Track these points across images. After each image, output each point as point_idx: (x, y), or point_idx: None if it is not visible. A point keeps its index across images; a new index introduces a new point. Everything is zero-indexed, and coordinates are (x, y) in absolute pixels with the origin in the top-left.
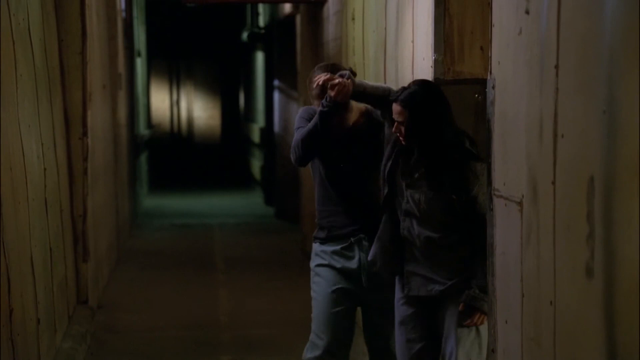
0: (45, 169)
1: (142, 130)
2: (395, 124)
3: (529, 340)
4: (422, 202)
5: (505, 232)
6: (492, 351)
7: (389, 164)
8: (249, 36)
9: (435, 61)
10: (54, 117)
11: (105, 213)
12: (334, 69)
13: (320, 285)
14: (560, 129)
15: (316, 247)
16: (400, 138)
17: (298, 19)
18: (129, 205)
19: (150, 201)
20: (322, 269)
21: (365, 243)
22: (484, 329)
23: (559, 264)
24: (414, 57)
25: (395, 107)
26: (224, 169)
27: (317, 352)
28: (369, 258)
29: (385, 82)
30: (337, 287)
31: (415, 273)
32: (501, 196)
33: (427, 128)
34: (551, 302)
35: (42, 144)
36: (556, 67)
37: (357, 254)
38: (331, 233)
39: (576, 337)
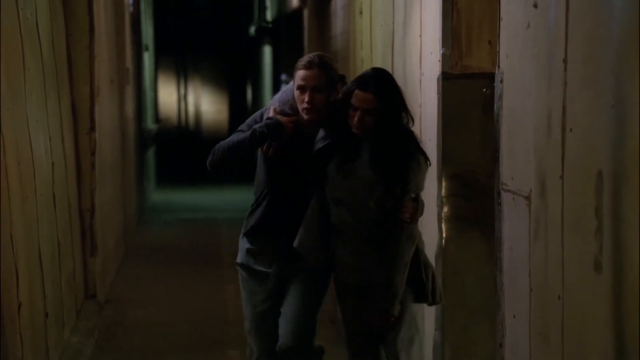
0: (53, 164)
1: (150, 124)
2: (359, 113)
3: (536, 335)
4: (358, 191)
5: (513, 227)
6: (499, 346)
7: (321, 152)
8: (256, 30)
9: (443, 55)
10: (62, 111)
11: (113, 208)
12: (321, 62)
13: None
14: (568, 123)
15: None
16: (358, 128)
17: (305, 12)
18: (136, 200)
19: (158, 196)
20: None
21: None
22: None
23: (567, 259)
24: (421, 51)
25: (366, 96)
26: None
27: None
28: (295, 244)
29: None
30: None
31: (343, 260)
32: (509, 190)
33: (395, 115)
34: (559, 297)
35: (50, 139)
36: (564, 60)
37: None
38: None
39: (584, 331)
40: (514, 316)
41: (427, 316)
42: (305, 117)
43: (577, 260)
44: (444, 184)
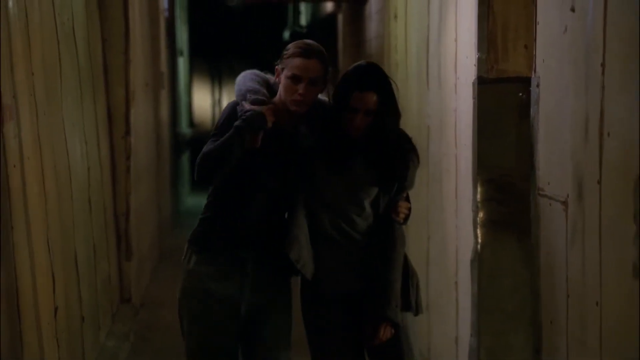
0: (89, 168)
1: (184, 129)
2: (360, 115)
3: (574, 341)
4: (352, 191)
5: (550, 232)
6: (536, 351)
7: (309, 155)
8: (290, 35)
9: (479, 59)
10: (98, 115)
11: (148, 211)
12: (320, 52)
13: None
14: (606, 128)
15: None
16: (356, 130)
17: (340, 17)
18: (170, 204)
19: (192, 200)
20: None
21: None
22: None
23: (605, 265)
24: (456, 55)
25: (368, 96)
26: None
27: None
28: (292, 256)
29: (428, 81)
30: None
31: (331, 269)
32: (545, 195)
33: (394, 113)
34: (597, 303)
35: (85, 143)
36: (602, 65)
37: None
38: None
39: (623, 338)
40: (551, 322)
41: (462, 321)
42: (292, 108)
43: (615, 266)
44: (479, 188)
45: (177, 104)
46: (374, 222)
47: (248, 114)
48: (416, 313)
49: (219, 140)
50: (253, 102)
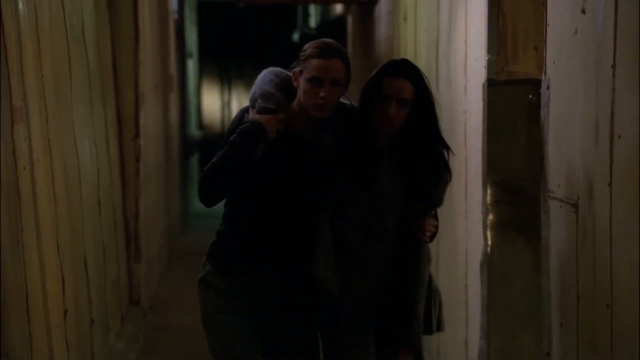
0: (98, 170)
1: (194, 131)
2: (393, 104)
3: (585, 344)
4: (377, 205)
5: (560, 235)
6: (546, 354)
7: (327, 160)
8: (300, 37)
9: (489, 61)
10: (107, 117)
11: (157, 213)
12: (341, 50)
13: None
14: (616, 130)
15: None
16: (392, 123)
17: (349, 19)
18: (180, 206)
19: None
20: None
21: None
22: None
23: (616, 267)
24: (466, 57)
25: (401, 83)
26: None
27: None
28: (318, 273)
29: (437, 83)
30: None
31: (353, 289)
32: (556, 198)
33: (431, 109)
34: (608, 306)
35: (95, 145)
36: (613, 67)
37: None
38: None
39: (634, 341)
40: (562, 324)
41: (472, 323)
42: (314, 113)
43: (626, 268)
44: (488, 190)
45: (186, 106)
46: (398, 238)
47: (244, 125)
48: (438, 330)
49: (217, 156)
50: (260, 111)
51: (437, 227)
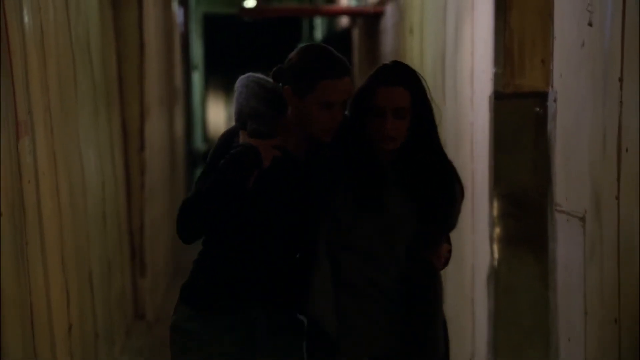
0: (103, 183)
1: (199, 143)
2: (388, 116)
3: (592, 359)
4: (386, 231)
5: (568, 248)
6: None
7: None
8: None
9: (495, 74)
10: (112, 130)
11: (162, 226)
12: (347, 67)
13: None
14: (624, 143)
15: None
16: (389, 138)
17: (355, 32)
18: None
19: None
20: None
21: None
22: None
23: (624, 281)
24: (473, 70)
25: (396, 92)
26: None
27: None
28: (312, 311)
29: (444, 95)
30: None
31: (358, 328)
32: (563, 211)
33: (431, 117)
34: (616, 320)
35: (100, 158)
36: (620, 79)
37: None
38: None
39: None
40: (569, 339)
41: (479, 337)
42: (326, 138)
43: (634, 283)
44: (495, 203)
45: (191, 118)
46: (407, 268)
47: (236, 150)
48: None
49: (202, 185)
50: (252, 134)
51: (450, 252)
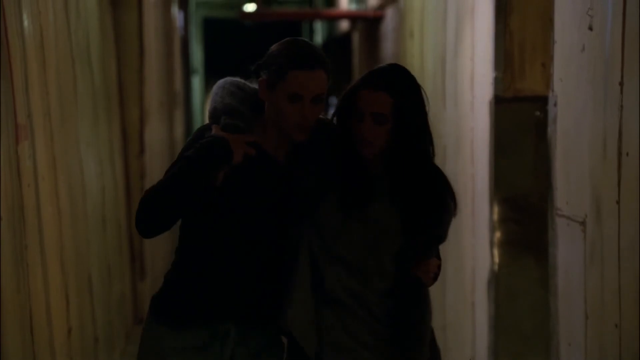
0: (103, 187)
1: None
2: (367, 120)
3: None
4: (372, 242)
5: (568, 252)
6: None
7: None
8: None
9: (495, 78)
10: (112, 134)
11: None
12: (324, 59)
13: None
14: (624, 147)
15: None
16: (367, 143)
17: (355, 36)
18: None
19: None
20: None
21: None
22: None
23: (625, 286)
24: (473, 73)
25: (376, 96)
26: None
27: None
28: (286, 324)
29: (444, 99)
30: None
31: (341, 344)
32: (563, 215)
33: (418, 126)
34: (616, 325)
35: (100, 162)
36: (621, 83)
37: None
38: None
39: None
40: (570, 344)
41: (479, 342)
42: (298, 136)
43: (635, 287)
44: (496, 208)
45: (191, 122)
46: (394, 283)
47: (205, 140)
48: None
49: (166, 177)
50: (225, 128)
51: (439, 267)
